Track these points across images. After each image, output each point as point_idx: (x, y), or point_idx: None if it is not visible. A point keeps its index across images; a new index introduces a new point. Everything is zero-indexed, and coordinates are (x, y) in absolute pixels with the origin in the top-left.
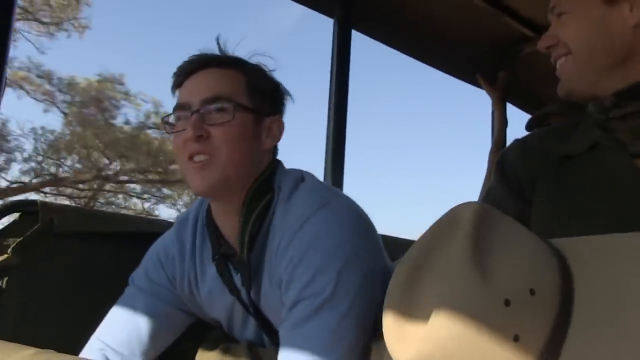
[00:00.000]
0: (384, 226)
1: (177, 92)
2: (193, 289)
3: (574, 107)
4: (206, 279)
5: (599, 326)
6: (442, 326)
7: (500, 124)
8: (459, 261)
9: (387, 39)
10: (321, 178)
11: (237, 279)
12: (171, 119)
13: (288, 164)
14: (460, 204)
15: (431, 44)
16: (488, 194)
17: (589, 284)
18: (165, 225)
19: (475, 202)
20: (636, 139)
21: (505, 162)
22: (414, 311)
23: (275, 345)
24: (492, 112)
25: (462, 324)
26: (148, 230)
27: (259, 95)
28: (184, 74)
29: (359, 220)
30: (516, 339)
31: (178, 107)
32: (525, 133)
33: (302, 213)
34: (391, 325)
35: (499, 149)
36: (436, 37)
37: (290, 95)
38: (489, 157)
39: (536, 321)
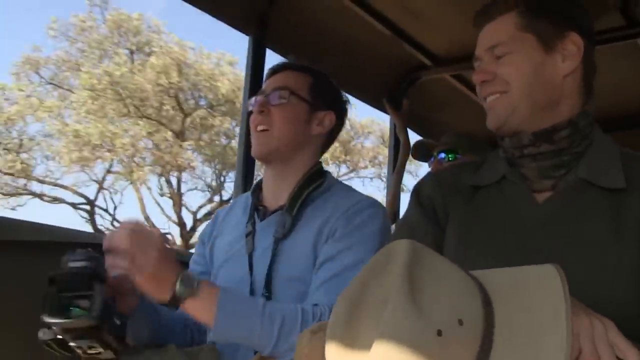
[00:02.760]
0: None
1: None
2: (215, 243)
3: (465, 142)
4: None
5: (518, 350)
6: (381, 356)
7: (404, 149)
8: (394, 297)
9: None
10: None
11: (261, 238)
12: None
13: None
14: (394, 242)
15: (339, 67)
16: (407, 221)
17: (507, 313)
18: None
19: (407, 240)
20: (541, 178)
21: (421, 192)
22: (355, 344)
23: None
24: (393, 138)
25: (400, 354)
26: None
27: (316, 93)
28: (270, 73)
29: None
30: None
31: (259, 93)
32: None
33: (359, 198)
34: (334, 355)
35: (401, 174)
36: (344, 60)
37: (349, 101)
38: (391, 181)
39: (464, 348)
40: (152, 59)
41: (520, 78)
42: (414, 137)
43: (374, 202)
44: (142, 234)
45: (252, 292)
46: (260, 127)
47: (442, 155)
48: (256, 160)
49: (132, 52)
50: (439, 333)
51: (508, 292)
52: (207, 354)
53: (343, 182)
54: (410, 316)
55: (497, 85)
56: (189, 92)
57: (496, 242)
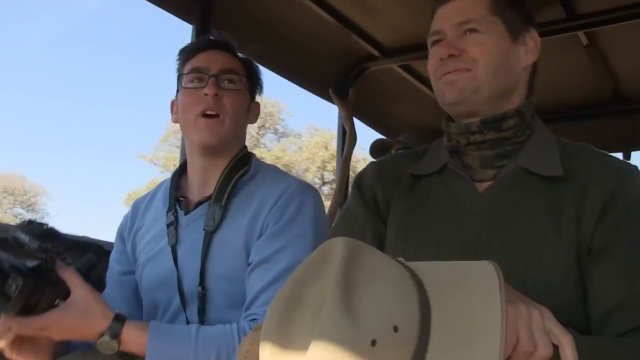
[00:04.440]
0: None
1: (191, 60)
2: (137, 239)
3: (420, 140)
4: (152, 229)
5: (454, 352)
6: None
7: (350, 139)
8: (328, 305)
9: (244, 48)
10: None
11: (189, 232)
12: (184, 80)
13: None
14: (331, 240)
15: (286, 56)
16: (347, 213)
17: (444, 313)
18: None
19: (344, 238)
20: (483, 167)
21: (362, 183)
22: (290, 349)
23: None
24: (341, 128)
25: None
26: None
27: (253, 81)
28: (207, 46)
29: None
30: None
31: (195, 70)
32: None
33: (287, 184)
34: (268, 357)
35: (348, 163)
36: (291, 49)
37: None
38: (339, 172)
39: (398, 355)
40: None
41: (488, 59)
42: (362, 128)
43: (302, 188)
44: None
45: (179, 288)
46: (210, 112)
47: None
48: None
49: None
50: (373, 343)
51: (446, 291)
52: None
53: (268, 163)
54: (344, 326)
55: (464, 62)
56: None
57: (437, 233)
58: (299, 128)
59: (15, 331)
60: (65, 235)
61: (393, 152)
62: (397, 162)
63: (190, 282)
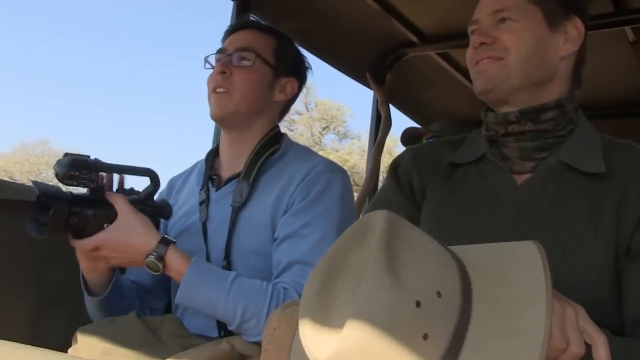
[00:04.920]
0: None
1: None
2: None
3: (452, 130)
4: (187, 202)
5: (496, 321)
6: (358, 327)
7: (385, 125)
8: (371, 268)
9: (283, 27)
10: None
11: (217, 208)
12: (211, 59)
13: None
14: (372, 212)
15: (325, 38)
16: (382, 198)
17: (484, 286)
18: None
19: (385, 211)
20: (522, 159)
21: (399, 169)
22: (330, 314)
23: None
24: (375, 113)
25: (377, 324)
26: None
27: (282, 58)
28: (231, 30)
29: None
30: (425, 337)
31: (219, 51)
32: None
33: (315, 162)
34: (309, 327)
35: (381, 149)
36: (330, 31)
37: (311, 68)
38: (370, 156)
39: (443, 320)
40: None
41: (520, 47)
42: (396, 115)
43: (330, 167)
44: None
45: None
46: (219, 89)
47: (431, 141)
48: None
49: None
50: (418, 304)
51: (486, 266)
52: (170, 324)
53: (299, 144)
54: (388, 287)
55: (496, 50)
56: None
57: (472, 222)
58: (359, 130)
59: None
60: (110, 164)
61: (424, 141)
62: (435, 149)
63: (217, 256)
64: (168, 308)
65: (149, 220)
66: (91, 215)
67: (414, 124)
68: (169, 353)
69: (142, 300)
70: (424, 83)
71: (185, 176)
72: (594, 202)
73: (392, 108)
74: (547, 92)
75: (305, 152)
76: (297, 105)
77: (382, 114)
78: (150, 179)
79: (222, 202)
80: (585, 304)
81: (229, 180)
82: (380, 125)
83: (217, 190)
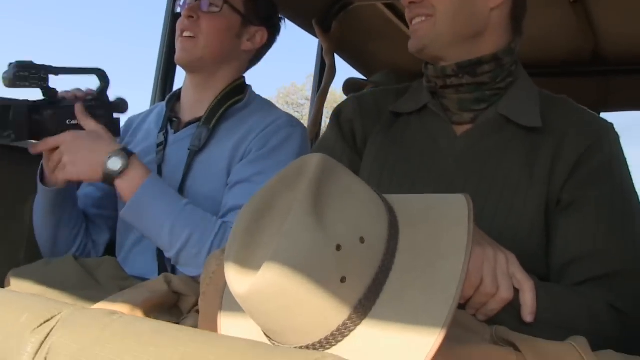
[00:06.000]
0: None
1: None
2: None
3: (396, 82)
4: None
5: (416, 272)
6: (276, 266)
7: (329, 73)
8: (298, 208)
9: None
10: None
11: (174, 151)
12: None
13: None
14: (308, 155)
15: None
16: (324, 145)
17: (411, 236)
18: None
19: (322, 154)
20: (461, 110)
21: (341, 115)
22: (255, 252)
23: None
24: (319, 61)
25: (295, 264)
26: None
27: (253, 6)
28: None
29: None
30: (343, 280)
31: None
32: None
33: (277, 116)
34: (233, 263)
35: (324, 97)
36: None
37: (283, 20)
38: (314, 103)
39: (363, 266)
40: None
41: (446, 4)
42: (341, 64)
43: (291, 121)
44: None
45: None
46: (186, 34)
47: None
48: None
49: None
50: (338, 248)
51: (416, 217)
52: (108, 266)
53: (264, 98)
54: (310, 229)
55: (424, 7)
56: None
57: (412, 171)
58: None
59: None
60: (56, 66)
61: (365, 91)
62: (378, 97)
63: None
64: (112, 249)
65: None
66: (50, 113)
67: (358, 74)
68: (106, 294)
69: (87, 231)
70: (369, 34)
71: (144, 116)
72: (530, 155)
73: (337, 58)
74: (482, 44)
75: (269, 106)
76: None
77: (327, 62)
78: (99, 77)
79: (180, 144)
80: (517, 252)
81: (189, 124)
82: (324, 73)
83: (175, 132)
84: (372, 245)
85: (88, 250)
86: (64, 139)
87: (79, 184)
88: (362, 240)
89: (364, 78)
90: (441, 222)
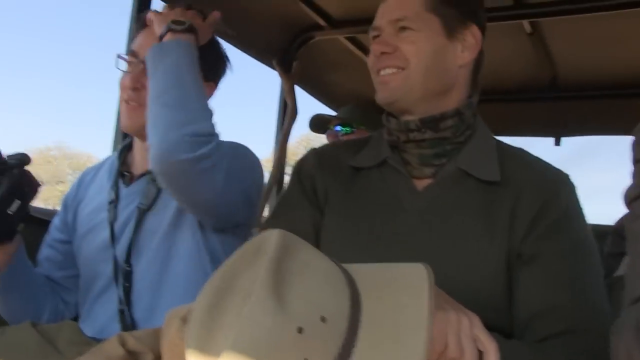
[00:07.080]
0: None
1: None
2: (79, 209)
3: (362, 116)
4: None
5: (380, 349)
6: (238, 352)
7: (291, 114)
8: (259, 291)
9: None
10: None
11: (125, 206)
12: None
13: None
14: (267, 231)
15: (233, 23)
16: (286, 201)
17: (374, 311)
18: None
19: (281, 230)
20: (422, 165)
21: (302, 170)
22: (216, 333)
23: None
24: (282, 101)
25: (256, 350)
26: None
27: (203, 62)
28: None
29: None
30: None
31: (131, 53)
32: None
33: None
34: (194, 346)
35: (286, 138)
36: (239, 16)
37: (231, 70)
38: (278, 146)
39: (325, 346)
40: None
41: (420, 58)
42: (306, 98)
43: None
44: None
45: (115, 265)
46: (132, 103)
47: (338, 128)
48: None
49: None
50: (300, 330)
51: (378, 289)
52: (67, 330)
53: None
54: (270, 312)
55: (397, 59)
56: None
57: (374, 228)
58: None
59: None
60: None
61: (332, 128)
62: (338, 151)
63: (122, 257)
64: None
65: None
66: None
67: (323, 107)
68: None
69: (55, 295)
70: (332, 66)
71: (96, 169)
72: (490, 210)
73: (302, 92)
74: (447, 100)
75: None
76: None
77: (289, 103)
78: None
79: (129, 199)
80: (480, 308)
81: (141, 175)
82: (286, 114)
83: (127, 186)
84: (334, 323)
85: (61, 312)
86: None
87: (32, 256)
88: (323, 319)
89: (330, 113)
90: (402, 294)
